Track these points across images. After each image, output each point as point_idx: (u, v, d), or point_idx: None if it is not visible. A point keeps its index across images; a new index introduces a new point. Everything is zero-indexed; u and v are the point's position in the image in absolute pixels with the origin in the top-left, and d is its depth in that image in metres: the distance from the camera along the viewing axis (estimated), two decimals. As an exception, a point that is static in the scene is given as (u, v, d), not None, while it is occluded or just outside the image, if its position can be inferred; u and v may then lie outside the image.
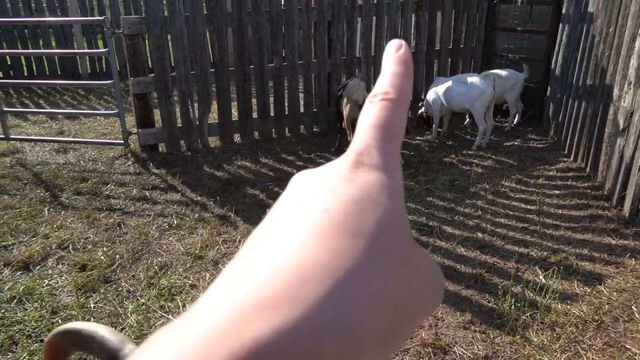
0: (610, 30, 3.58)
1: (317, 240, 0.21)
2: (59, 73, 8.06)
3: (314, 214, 0.22)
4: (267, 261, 0.20)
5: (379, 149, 0.25)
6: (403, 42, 0.29)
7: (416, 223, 3.21)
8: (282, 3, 4.71)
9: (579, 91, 4.13)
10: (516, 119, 5.04)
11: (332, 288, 0.19)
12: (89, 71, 8.25)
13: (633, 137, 3.08)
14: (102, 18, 4.37)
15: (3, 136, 4.73)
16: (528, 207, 3.39)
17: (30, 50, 7.56)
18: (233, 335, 0.17)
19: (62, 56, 8.05)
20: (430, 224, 3.19)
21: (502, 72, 4.74)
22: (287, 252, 0.20)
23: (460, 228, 3.14)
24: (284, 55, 4.88)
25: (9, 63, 8.00)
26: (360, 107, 4.09)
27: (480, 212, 3.32)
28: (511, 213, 3.31)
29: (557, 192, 3.60)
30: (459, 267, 2.74)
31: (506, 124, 5.07)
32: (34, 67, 8.03)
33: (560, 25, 4.72)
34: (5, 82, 6.52)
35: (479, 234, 3.05)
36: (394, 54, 0.29)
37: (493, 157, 4.33)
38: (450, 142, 4.74)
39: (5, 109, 4.89)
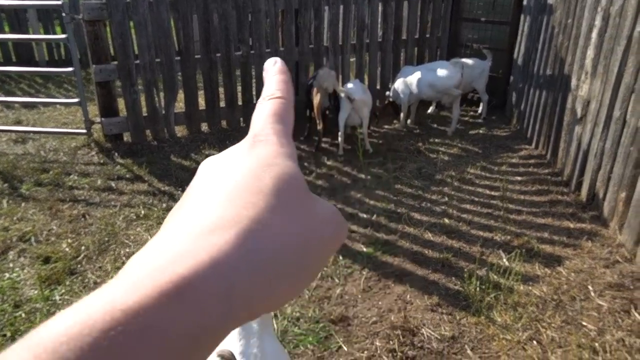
0: (568, 21, 3.71)
1: (225, 201, 0.25)
2: (14, 60, 7.71)
3: (222, 183, 0.27)
4: (183, 225, 0.25)
5: (272, 129, 0.31)
6: (277, 58, 0.36)
7: (385, 210, 3.26)
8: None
9: (539, 80, 4.26)
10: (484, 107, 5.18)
11: (237, 232, 0.23)
12: (47, 58, 7.92)
13: (590, 125, 3.21)
14: (59, 2, 4.19)
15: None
16: (492, 193, 3.50)
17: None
18: (158, 276, 0.21)
19: (16, 42, 7.70)
20: (398, 210, 3.25)
21: (469, 61, 4.86)
22: (200, 215, 0.25)
23: (428, 214, 3.21)
24: (251, 43, 4.83)
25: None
26: (330, 96, 4.11)
27: (446, 199, 3.41)
28: (476, 199, 3.41)
29: (519, 178, 3.73)
30: (426, 252, 2.81)
31: (471, 113, 5.19)
32: (-13, 54, 7.65)
33: (522, 16, 4.85)
34: (-44, 69, 6.19)
35: (446, 220, 3.13)
36: (272, 67, 0.36)
37: (459, 145, 4.43)
38: (417, 131, 4.82)
39: (-43, 97, 4.66)
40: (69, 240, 2.90)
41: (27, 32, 7.66)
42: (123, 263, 2.66)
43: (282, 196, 0.26)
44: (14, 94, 6.22)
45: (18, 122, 5.07)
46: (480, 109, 5.18)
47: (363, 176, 3.80)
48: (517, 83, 4.88)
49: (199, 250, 0.22)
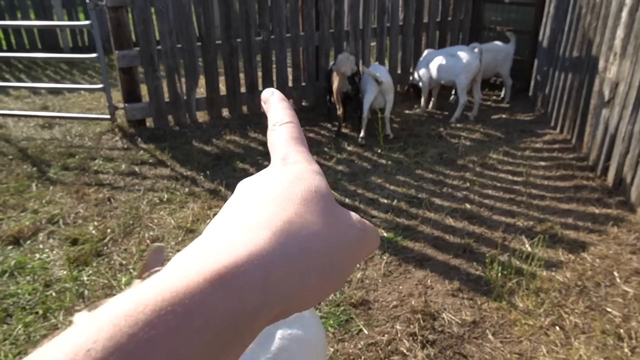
0: (597, 0, 3.59)
1: (261, 207, 0.29)
2: (39, 47, 7.85)
3: (258, 194, 0.31)
4: (222, 227, 0.29)
5: (296, 151, 0.35)
6: (273, 89, 0.39)
7: (405, 195, 3.25)
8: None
9: (565, 63, 4.16)
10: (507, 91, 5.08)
11: (271, 231, 0.27)
12: (71, 45, 8.04)
13: (618, 107, 3.13)
14: (84, -11, 4.24)
15: (-15, 111, 4.64)
16: (515, 178, 3.45)
17: (8, 22, 7.30)
18: (202, 266, 0.24)
19: (41, 29, 7.83)
20: (419, 196, 3.24)
21: (492, 45, 4.77)
22: (238, 219, 0.29)
23: (449, 200, 3.19)
24: (271, 28, 4.81)
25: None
26: (348, 79, 4.09)
27: (468, 184, 3.38)
28: (498, 184, 3.37)
29: (543, 163, 3.66)
30: (447, 237, 2.80)
31: (494, 97, 5.10)
32: (13, 41, 7.80)
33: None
34: (-16, 57, 6.34)
35: (467, 205, 3.10)
36: (272, 97, 0.39)
37: (481, 130, 4.37)
38: (439, 116, 4.76)
39: (-14, 83, 4.77)
40: (95, 223, 2.97)
41: (51, 19, 7.77)
42: (147, 246, 2.72)
43: (310, 204, 0.30)
44: (40, 80, 6.35)
45: (45, 108, 5.18)
46: (503, 93, 5.08)
47: (384, 161, 3.79)
48: (542, 66, 4.76)
49: (238, 245, 0.26)
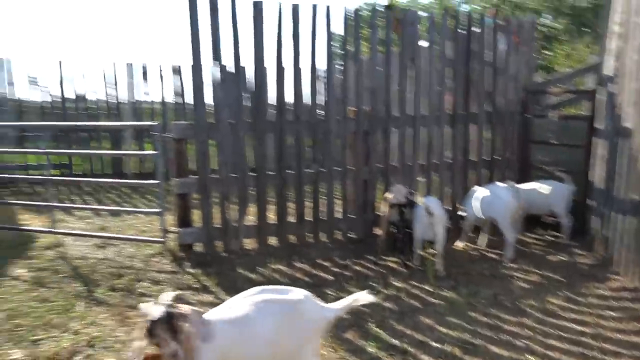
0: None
1: None
2: (108, 172, 8.60)
3: None
4: None
5: None
6: None
7: (459, 340, 3.00)
8: (322, 113, 4.96)
9: (624, 206, 4.01)
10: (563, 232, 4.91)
11: None
12: (135, 171, 8.75)
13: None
14: (154, 123, 4.68)
15: (50, 229, 4.90)
16: (582, 329, 3.14)
17: (83, 151, 8.09)
18: None
19: (111, 157, 8.64)
20: (474, 342, 2.98)
21: (543, 185, 4.79)
22: None
23: (508, 349, 2.90)
24: (321, 162, 5.03)
25: (65, 162, 8.63)
26: (389, 206, 4.22)
27: (528, 332, 3.09)
28: (564, 335, 3.06)
29: (613, 314, 3.34)
30: (509, 393, 2.49)
31: (546, 237, 4.93)
32: (86, 167, 8.62)
33: (594, 138, 4.77)
34: (58, 179, 6.89)
35: (530, 357, 2.80)
36: None
37: (537, 271, 4.14)
38: (492, 254, 4.59)
39: (54, 204, 5.11)
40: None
41: (122, 149, 8.58)
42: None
43: None
44: (103, 202, 6.76)
45: (103, 229, 5.42)
46: (562, 233, 4.89)
47: (434, 300, 3.59)
48: (599, 207, 4.62)
49: None
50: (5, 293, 3.64)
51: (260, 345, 1.93)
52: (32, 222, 5.66)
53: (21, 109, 8.58)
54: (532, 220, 5.18)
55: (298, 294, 2.11)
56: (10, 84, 8.46)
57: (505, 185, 4.53)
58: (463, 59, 5.32)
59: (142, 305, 1.67)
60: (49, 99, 8.61)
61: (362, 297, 2.20)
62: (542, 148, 5.54)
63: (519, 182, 4.98)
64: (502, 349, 2.90)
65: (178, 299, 1.66)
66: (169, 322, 1.62)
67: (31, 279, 3.91)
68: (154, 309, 1.65)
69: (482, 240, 4.80)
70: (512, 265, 4.27)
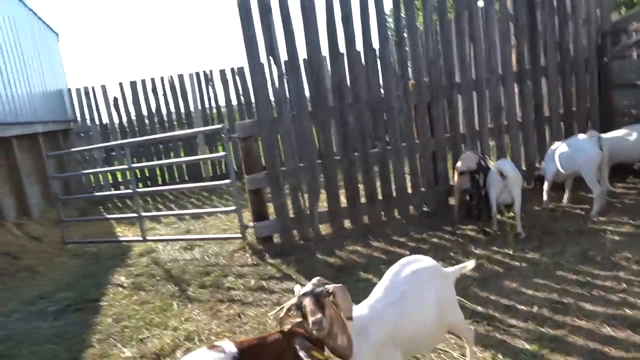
0: None
1: None
2: (186, 178, 9.15)
3: None
4: None
5: None
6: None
7: (547, 300, 2.88)
8: (382, 91, 4.91)
9: None
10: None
11: None
12: (211, 174, 9.23)
13: None
14: (220, 126, 4.89)
15: (141, 238, 5.32)
16: (686, 276, 2.89)
17: (162, 161, 8.67)
18: None
19: (188, 164, 9.15)
20: (564, 300, 2.84)
21: (631, 130, 4.45)
22: None
23: (603, 304, 2.74)
24: (387, 139, 4.99)
25: (147, 174, 9.28)
26: (469, 177, 4.09)
27: (624, 285, 2.90)
28: (665, 284, 2.84)
29: None
30: (607, 349, 2.36)
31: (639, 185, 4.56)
32: (166, 176, 9.23)
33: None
34: (144, 191, 7.43)
35: (628, 311, 2.63)
36: None
37: (631, 222, 3.85)
38: (578, 210, 4.33)
39: (143, 214, 5.53)
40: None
41: (196, 154, 9.07)
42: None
43: None
44: (186, 207, 7.20)
45: (188, 232, 5.78)
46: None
47: (517, 263, 3.47)
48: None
49: None
50: (111, 300, 4.01)
51: (426, 312, 1.95)
52: (125, 233, 6.16)
53: (107, 130, 9.37)
54: (623, 169, 4.81)
55: (427, 259, 2.12)
56: (96, 109, 9.32)
57: (586, 136, 4.24)
58: (525, 10, 5.01)
59: (296, 287, 1.88)
60: (125, 118, 9.34)
61: (469, 264, 2.27)
62: (626, 91, 5.11)
63: (603, 131, 4.64)
64: (596, 305, 2.74)
65: (322, 283, 1.78)
66: (316, 296, 1.74)
67: (131, 285, 4.27)
68: (305, 287, 1.80)
69: (565, 197, 4.54)
70: (601, 219, 4.00)
